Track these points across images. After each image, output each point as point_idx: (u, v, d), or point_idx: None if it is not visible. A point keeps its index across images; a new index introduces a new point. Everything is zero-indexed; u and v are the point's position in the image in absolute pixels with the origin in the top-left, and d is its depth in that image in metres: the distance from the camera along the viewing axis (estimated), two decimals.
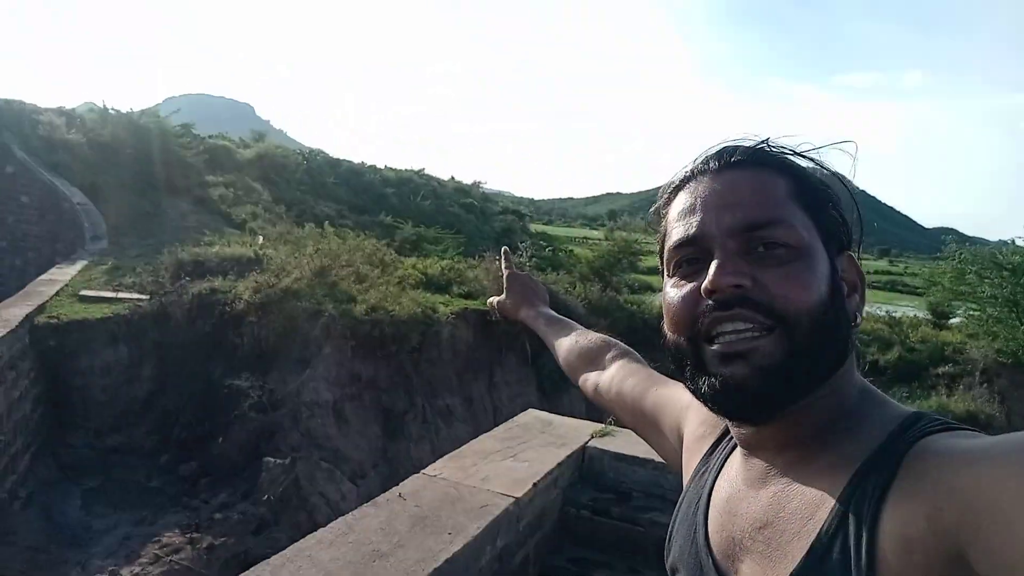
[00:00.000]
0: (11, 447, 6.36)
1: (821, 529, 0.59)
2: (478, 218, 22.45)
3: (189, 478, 6.99)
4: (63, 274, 9.13)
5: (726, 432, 0.78)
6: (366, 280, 8.75)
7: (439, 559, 1.79)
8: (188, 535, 6.00)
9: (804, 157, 0.70)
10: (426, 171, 24.11)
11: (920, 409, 0.64)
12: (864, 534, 0.56)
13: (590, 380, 1.12)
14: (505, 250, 1.43)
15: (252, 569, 1.57)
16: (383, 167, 22.10)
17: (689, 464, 0.84)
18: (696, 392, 0.67)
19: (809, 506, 0.61)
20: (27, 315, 7.07)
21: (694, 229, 0.67)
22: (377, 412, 7.94)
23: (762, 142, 0.70)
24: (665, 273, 0.72)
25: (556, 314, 1.30)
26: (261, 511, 6.32)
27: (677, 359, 0.69)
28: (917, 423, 0.60)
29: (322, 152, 20.87)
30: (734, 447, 0.75)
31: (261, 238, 11.29)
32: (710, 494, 0.75)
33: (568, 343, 1.20)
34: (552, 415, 3.21)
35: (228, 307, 7.99)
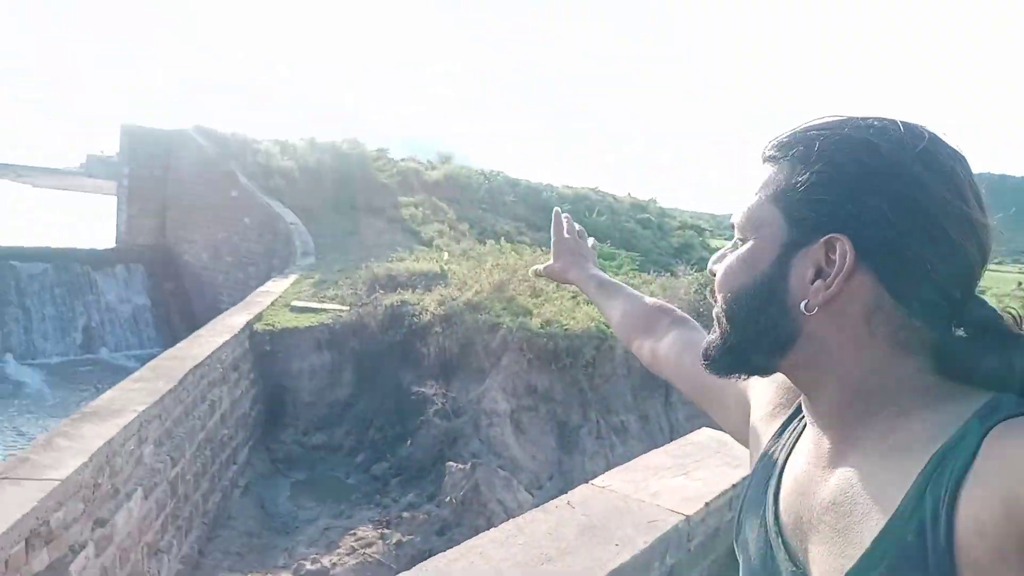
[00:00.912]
0: (233, 440, 7.21)
1: (896, 511, 0.58)
2: (655, 233, 22.15)
3: (381, 477, 7.52)
4: (277, 286, 10.21)
5: (799, 410, 0.78)
6: (541, 295, 8.96)
7: (606, 568, 1.81)
8: (379, 530, 6.46)
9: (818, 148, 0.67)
10: (600, 188, 24.35)
11: (997, 394, 0.61)
12: (943, 516, 0.55)
13: (646, 347, 1.13)
14: (556, 211, 1.38)
15: (429, 560, 1.69)
16: (560, 185, 22.55)
17: (758, 441, 0.84)
18: None
19: (880, 487, 0.61)
20: (247, 322, 7.99)
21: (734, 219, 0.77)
22: (552, 424, 8.07)
23: (797, 131, 0.71)
24: None
25: (607, 277, 1.29)
26: (444, 513, 6.65)
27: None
28: (998, 407, 0.59)
29: (501, 172, 21.70)
30: (805, 426, 0.75)
31: (446, 254, 11.94)
32: (781, 472, 0.75)
33: (622, 307, 1.20)
34: (728, 435, 3.10)
35: (416, 318, 8.52)
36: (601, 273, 1.30)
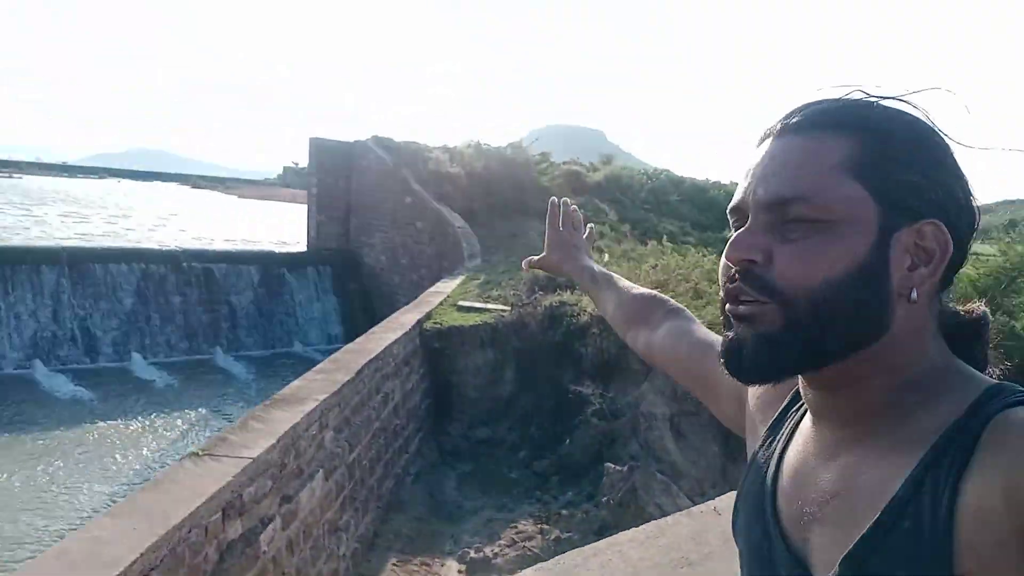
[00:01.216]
0: (404, 430, 7.69)
1: (893, 497, 0.58)
2: None
3: (542, 474, 7.67)
4: (446, 287, 10.73)
5: (796, 399, 0.77)
6: (703, 296, 8.71)
7: None
8: (539, 526, 6.60)
9: (902, 102, 0.65)
10: None
11: (1004, 382, 0.61)
12: (943, 503, 0.55)
13: (640, 338, 1.11)
14: (553, 201, 1.35)
15: (568, 553, 1.74)
16: (728, 183, 21.68)
17: (755, 431, 0.82)
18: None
19: (883, 477, 0.60)
20: (418, 320, 8.49)
21: (738, 197, 0.69)
22: (716, 431, 7.81)
23: (839, 101, 0.66)
24: None
25: (600, 268, 1.28)
26: (602, 513, 6.67)
27: (721, 313, 0.71)
28: (1000, 394, 0.59)
29: (667, 171, 21.22)
30: (804, 414, 0.74)
31: (607, 255, 11.92)
32: (779, 463, 0.73)
33: (616, 299, 1.19)
34: None
35: (574, 319, 8.60)
36: (594, 265, 1.29)
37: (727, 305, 0.67)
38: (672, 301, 1.15)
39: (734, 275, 0.66)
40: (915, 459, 0.59)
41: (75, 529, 3.65)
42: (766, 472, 0.74)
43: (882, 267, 0.62)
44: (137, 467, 9.83)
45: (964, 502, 0.54)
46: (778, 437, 0.76)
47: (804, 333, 0.62)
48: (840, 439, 0.66)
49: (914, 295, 0.63)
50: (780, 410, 0.79)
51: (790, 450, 0.73)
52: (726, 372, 0.68)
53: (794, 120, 0.66)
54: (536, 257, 1.36)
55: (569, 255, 1.32)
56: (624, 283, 1.23)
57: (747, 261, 0.65)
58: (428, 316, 8.97)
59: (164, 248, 17.04)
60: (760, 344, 0.64)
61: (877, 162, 0.63)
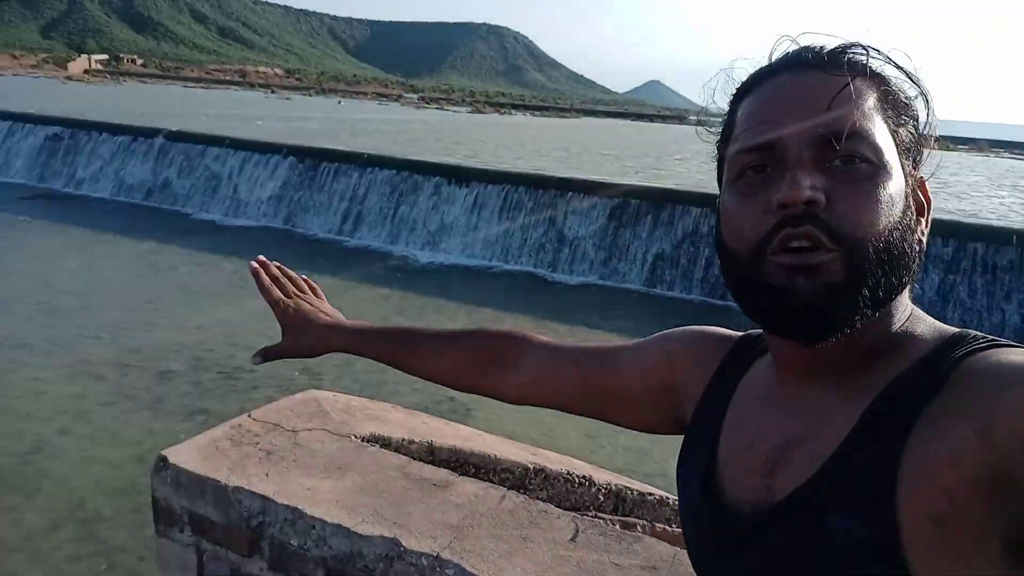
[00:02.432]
0: None
1: (848, 432, 0.58)
2: None
3: None
4: None
5: (735, 353, 0.78)
6: None
7: None
8: None
9: (894, 65, 0.63)
10: None
11: (966, 329, 0.61)
12: (892, 443, 0.55)
13: (509, 381, 0.95)
14: (252, 266, 1.06)
15: None
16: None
17: (691, 393, 0.80)
18: (752, 305, 0.63)
19: (850, 418, 0.60)
20: None
21: (769, 134, 0.61)
22: None
23: (851, 44, 0.63)
24: (724, 178, 0.67)
25: (380, 325, 1.04)
26: None
27: (734, 270, 0.64)
28: (964, 340, 0.59)
29: None
30: (749, 366, 0.75)
31: None
32: (722, 418, 0.73)
33: (440, 351, 1.00)
34: None
35: None
36: (367, 323, 1.04)
37: (777, 257, 0.60)
38: (507, 329, 1.02)
39: (793, 219, 0.59)
40: (871, 399, 0.59)
41: None
42: (712, 426, 0.74)
43: (911, 215, 0.62)
44: None
45: (920, 444, 0.54)
46: (721, 394, 0.76)
47: (869, 280, 0.59)
48: (814, 385, 0.65)
49: (924, 244, 0.64)
50: (718, 367, 0.79)
51: (740, 403, 0.73)
52: (780, 337, 0.64)
53: (821, 56, 0.62)
54: (269, 346, 1.04)
55: (321, 326, 1.03)
56: (428, 330, 1.03)
57: (810, 203, 0.58)
58: None
59: None
60: (826, 296, 0.58)
61: (894, 110, 0.62)
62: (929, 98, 0.64)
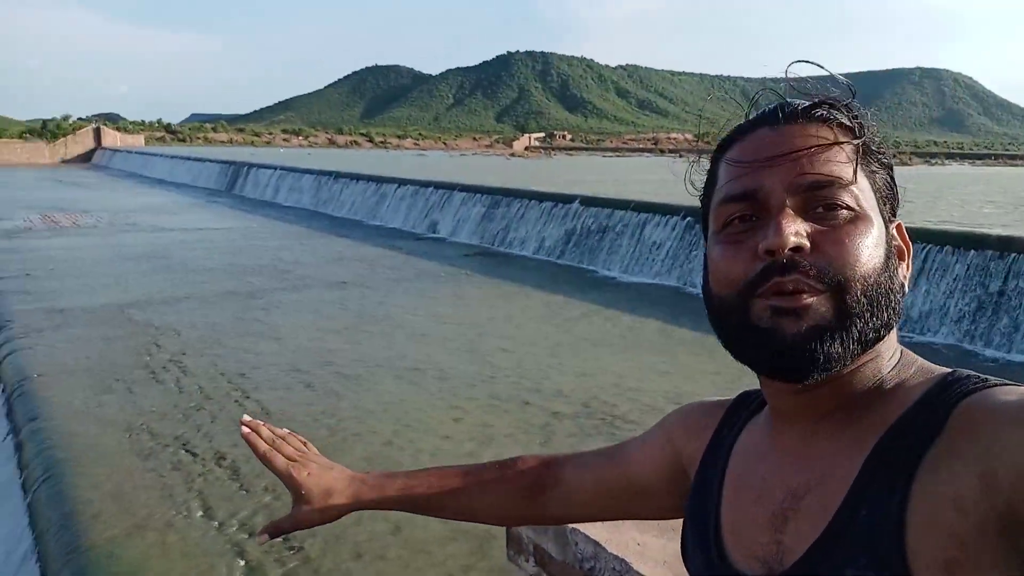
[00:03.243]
0: None
1: (852, 484, 0.59)
2: None
3: None
4: None
5: (729, 416, 0.80)
6: None
7: None
8: None
9: (864, 119, 0.66)
10: None
11: (958, 369, 0.62)
12: (898, 492, 0.55)
13: (551, 507, 0.93)
14: (244, 431, 0.94)
15: None
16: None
17: (693, 463, 0.81)
18: (740, 348, 0.65)
19: (854, 466, 0.60)
20: None
21: (753, 184, 0.64)
22: None
23: (825, 99, 0.65)
24: (710, 229, 0.69)
25: (399, 471, 0.98)
26: None
27: (721, 314, 0.66)
28: (959, 381, 0.60)
29: None
30: (743, 425, 0.77)
31: None
32: (723, 479, 0.74)
33: (493, 488, 0.94)
34: None
35: None
36: (383, 472, 0.97)
37: (765, 300, 0.61)
38: (540, 454, 1.00)
39: (780, 267, 0.61)
40: (872, 447, 0.60)
41: None
42: (711, 491, 0.75)
43: (893, 259, 0.64)
44: None
45: (924, 489, 0.54)
46: (719, 456, 0.77)
47: (857, 321, 0.60)
48: (812, 433, 0.66)
49: (906, 288, 0.65)
50: (714, 432, 0.80)
51: (739, 462, 0.74)
52: (768, 377, 0.66)
53: (801, 107, 0.65)
54: (279, 519, 0.95)
55: (347, 484, 0.95)
56: (451, 469, 0.98)
57: (796, 249, 0.60)
58: None
59: None
60: (814, 337, 0.60)
61: (870, 158, 0.66)
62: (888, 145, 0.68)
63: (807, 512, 0.62)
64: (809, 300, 0.60)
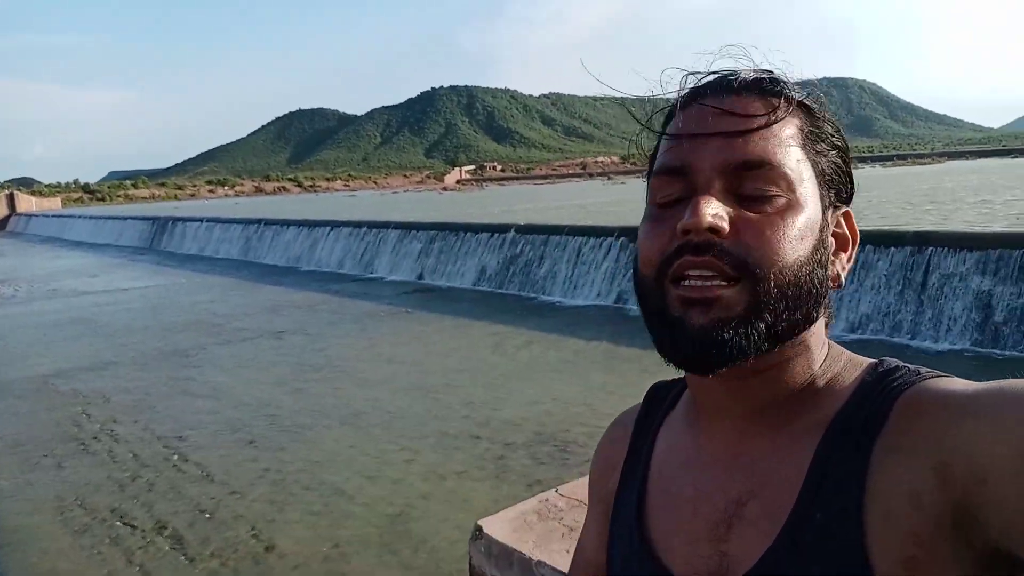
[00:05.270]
0: None
1: (802, 487, 0.57)
2: None
3: None
4: None
5: (640, 427, 0.75)
6: None
7: None
8: None
9: (816, 98, 0.63)
10: None
11: (883, 357, 0.62)
12: (852, 491, 0.54)
13: None
14: None
15: None
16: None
17: (612, 492, 0.75)
18: (653, 336, 0.62)
19: (799, 466, 0.58)
20: None
21: (681, 159, 0.60)
22: None
23: (774, 74, 0.61)
24: (646, 201, 0.65)
25: None
26: None
27: (642, 297, 0.63)
28: (892, 372, 0.59)
29: None
30: (659, 428, 0.72)
31: None
32: (644, 489, 0.69)
33: None
34: None
35: None
36: None
37: (677, 288, 0.58)
38: None
39: (695, 247, 0.57)
40: (815, 446, 0.58)
41: None
42: (633, 505, 0.70)
43: (824, 250, 0.60)
44: None
45: (877, 484, 0.53)
46: (637, 468, 0.72)
47: (768, 315, 0.57)
48: (743, 432, 0.63)
49: (842, 280, 0.62)
50: (629, 446, 0.75)
51: (662, 471, 0.69)
52: (677, 368, 0.61)
53: (737, 81, 0.60)
54: None
55: None
56: None
57: (713, 231, 0.56)
58: None
59: None
60: (720, 328, 0.56)
61: (816, 140, 0.61)
62: (842, 129, 0.63)
63: (752, 519, 0.59)
64: (719, 291, 0.57)
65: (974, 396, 0.52)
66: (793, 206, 0.58)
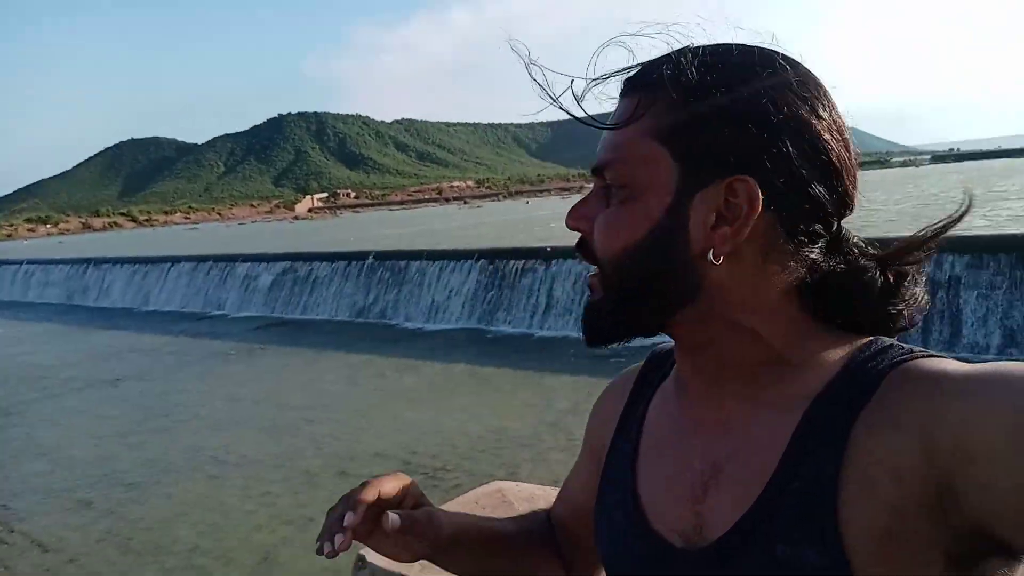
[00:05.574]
0: None
1: (781, 457, 0.58)
2: None
3: None
4: None
5: (638, 388, 0.77)
6: None
7: None
8: None
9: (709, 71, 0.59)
10: None
11: (877, 337, 0.61)
12: (831, 461, 0.54)
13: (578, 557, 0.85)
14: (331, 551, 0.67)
15: None
16: None
17: (609, 431, 0.78)
18: None
19: (774, 435, 0.59)
20: None
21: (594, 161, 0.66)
22: None
23: (662, 59, 0.62)
24: None
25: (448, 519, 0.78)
26: None
27: None
28: (885, 349, 0.59)
29: None
30: (654, 394, 0.74)
31: None
32: (638, 445, 0.72)
33: (532, 545, 0.86)
34: None
35: None
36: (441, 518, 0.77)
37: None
38: (530, 510, 0.92)
39: (576, 245, 0.67)
40: (798, 417, 0.58)
41: None
42: (626, 464, 0.72)
43: (680, 230, 0.60)
44: None
45: (857, 456, 0.54)
46: (631, 427, 0.74)
47: (615, 300, 0.63)
48: (724, 400, 0.64)
49: (711, 255, 0.59)
50: (626, 404, 0.77)
51: (654, 432, 0.72)
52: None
53: (631, 80, 0.64)
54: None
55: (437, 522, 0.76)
56: (489, 522, 0.86)
57: (576, 230, 0.66)
58: None
59: None
60: (589, 312, 0.66)
61: (684, 122, 0.60)
62: (752, 96, 0.58)
63: (728, 483, 0.61)
64: (592, 279, 0.65)
65: (967, 376, 0.52)
66: (633, 197, 0.62)
